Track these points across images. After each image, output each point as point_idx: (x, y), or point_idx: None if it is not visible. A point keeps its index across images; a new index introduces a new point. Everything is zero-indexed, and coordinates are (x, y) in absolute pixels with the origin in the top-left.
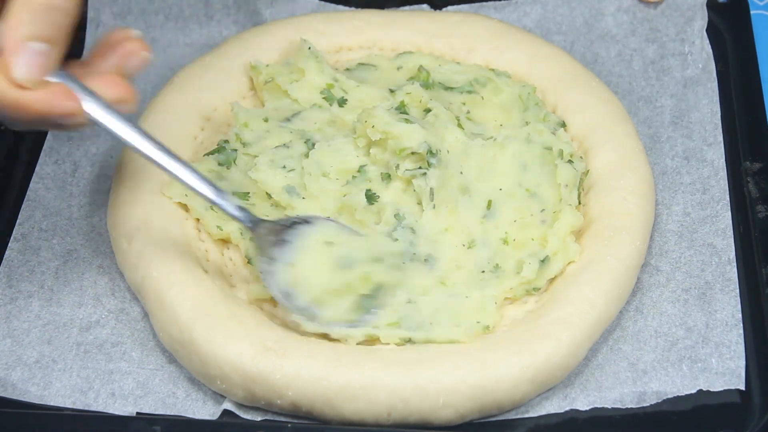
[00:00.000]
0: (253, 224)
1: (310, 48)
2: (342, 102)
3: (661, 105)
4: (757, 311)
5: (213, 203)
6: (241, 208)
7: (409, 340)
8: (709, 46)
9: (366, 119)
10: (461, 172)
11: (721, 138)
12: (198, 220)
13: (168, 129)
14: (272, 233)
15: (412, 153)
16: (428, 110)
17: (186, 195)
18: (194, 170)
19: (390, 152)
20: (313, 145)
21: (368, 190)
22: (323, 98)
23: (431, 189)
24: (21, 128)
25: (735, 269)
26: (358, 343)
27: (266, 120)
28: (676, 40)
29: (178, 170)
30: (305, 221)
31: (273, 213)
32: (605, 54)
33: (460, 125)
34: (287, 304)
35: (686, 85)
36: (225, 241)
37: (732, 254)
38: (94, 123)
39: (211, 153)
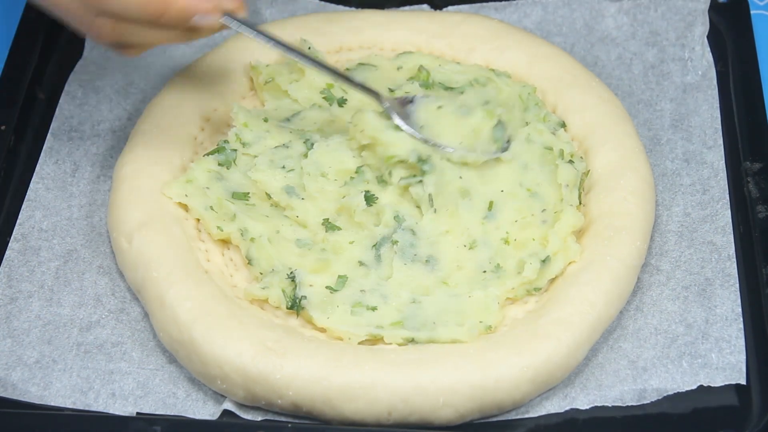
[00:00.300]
0: (380, 99)
1: (310, 48)
2: (342, 102)
3: (661, 108)
4: (757, 310)
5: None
6: (367, 87)
7: (412, 340)
8: (710, 54)
9: (356, 123)
10: (461, 177)
11: (721, 141)
12: (198, 220)
13: (168, 129)
14: (397, 106)
15: (401, 161)
16: None
17: (186, 195)
18: (322, 62)
19: (379, 158)
20: (312, 145)
21: (367, 192)
22: (323, 98)
23: (429, 195)
24: (148, 42)
25: (735, 265)
26: (359, 342)
27: (266, 120)
28: (677, 45)
29: (305, 61)
30: (411, 100)
31: (273, 213)
32: (605, 57)
33: None
34: (449, 153)
35: (686, 91)
36: (225, 242)
37: (732, 250)
38: (226, 25)
39: (211, 153)
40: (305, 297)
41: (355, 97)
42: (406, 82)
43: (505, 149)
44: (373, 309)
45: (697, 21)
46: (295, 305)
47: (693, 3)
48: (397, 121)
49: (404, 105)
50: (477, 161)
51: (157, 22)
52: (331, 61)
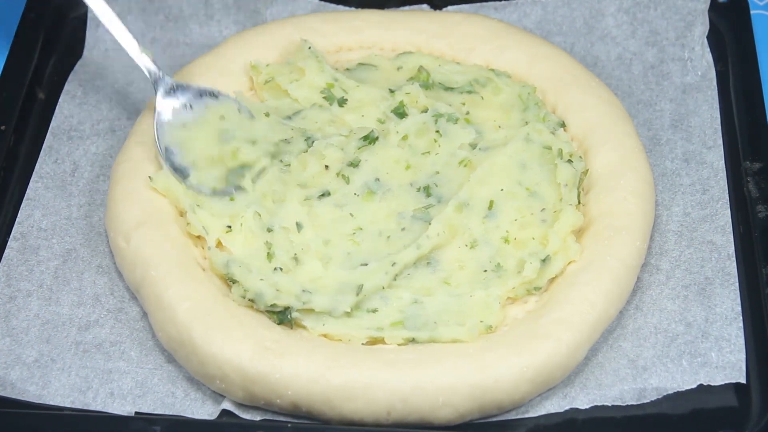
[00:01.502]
0: (162, 81)
1: (310, 48)
2: (342, 102)
3: (661, 109)
4: (757, 309)
5: (129, 54)
6: (155, 64)
7: (413, 340)
8: (710, 54)
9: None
10: (461, 188)
11: (720, 141)
12: (189, 224)
13: None
14: (180, 95)
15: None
16: (426, 110)
17: (169, 188)
18: (122, 25)
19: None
20: (313, 142)
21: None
22: (323, 98)
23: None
24: None
25: (734, 264)
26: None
27: (267, 115)
28: (676, 45)
29: (108, 21)
30: (213, 94)
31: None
32: (605, 57)
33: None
34: (164, 160)
35: (685, 91)
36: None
37: (731, 250)
38: None
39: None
40: (292, 308)
41: (355, 97)
42: (406, 82)
43: (228, 193)
44: (374, 311)
45: (697, 21)
46: (286, 320)
47: (693, 3)
48: (156, 111)
49: (200, 96)
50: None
51: None
52: (331, 61)
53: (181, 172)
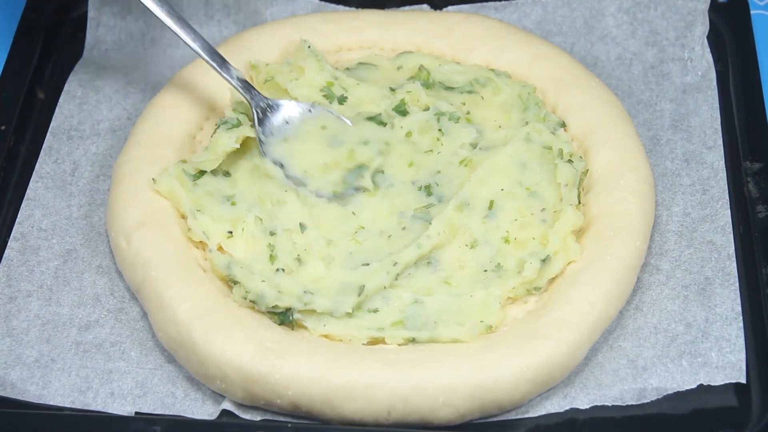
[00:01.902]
0: (253, 98)
1: (310, 47)
2: (342, 99)
3: (661, 109)
4: (757, 309)
5: (217, 71)
6: (243, 81)
7: (413, 340)
8: (710, 54)
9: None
10: (462, 187)
11: (720, 141)
12: (190, 229)
13: (167, 128)
14: (271, 110)
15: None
16: (427, 108)
17: (172, 190)
18: (203, 40)
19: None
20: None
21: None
22: (323, 96)
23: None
24: None
25: (734, 264)
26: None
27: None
28: (676, 45)
29: (188, 38)
30: (308, 109)
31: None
32: (605, 57)
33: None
34: (277, 173)
35: (686, 91)
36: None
37: (731, 250)
38: None
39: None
40: (293, 309)
41: (354, 95)
42: (406, 81)
43: (349, 195)
44: (375, 311)
45: (697, 21)
46: (287, 320)
47: (693, 3)
48: (258, 129)
49: (284, 111)
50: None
51: None
52: (331, 61)
53: (298, 181)
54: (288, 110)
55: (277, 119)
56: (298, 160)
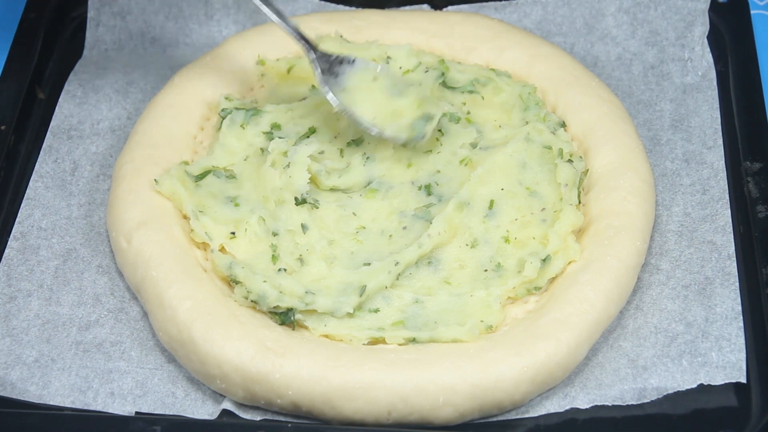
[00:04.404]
0: (312, 49)
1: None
2: None
3: (661, 109)
4: (757, 309)
5: (278, 24)
6: (300, 34)
7: (413, 340)
8: (710, 54)
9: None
10: (462, 187)
11: (721, 141)
12: (192, 231)
13: (167, 129)
14: (326, 63)
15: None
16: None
17: (174, 192)
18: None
19: None
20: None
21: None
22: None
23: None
24: None
25: (735, 264)
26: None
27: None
28: (676, 45)
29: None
30: (349, 61)
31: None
32: (605, 57)
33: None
34: (356, 118)
35: (686, 92)
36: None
37: (732, 249)
38: None
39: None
40: (295, 309)
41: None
42: (424, 73)
43: (416, 141)
44: (375, 311)
45: (697, 21)
46: (289, 321)
47: (693, 3)
48: (318, 79)
49: (339, 64)
50: (391, 142)
51: None
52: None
53: (370, 127)
54: (338, 62)
55: (331, 71)
56: (361, 111)
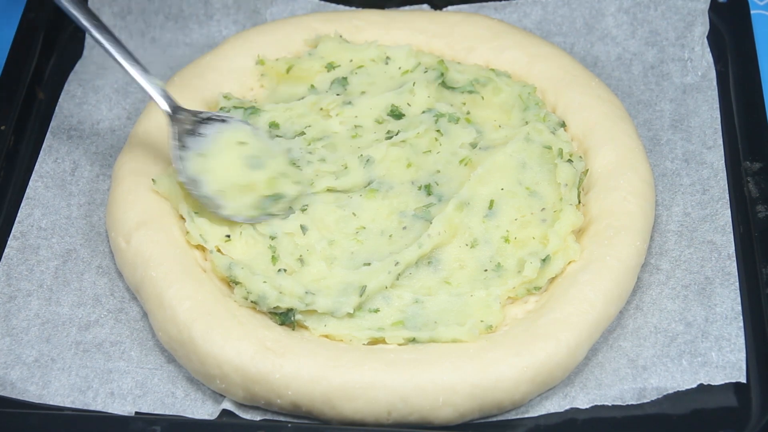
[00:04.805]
0: (172, 110)
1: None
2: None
3: (661, 109)
4: (757, 309)
5: (136, 81)
6: (163, 91)
7: (413, 340)
8: (710, 54)
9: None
10: (462, 187)
11: (720, 141)
12: (188, 233)
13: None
14: (190, 123)
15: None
16: (427, 110)
17: (171, 192)
18: (125, 48)
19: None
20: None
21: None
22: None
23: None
24: None
25: (734, 264)
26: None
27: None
28: (676, 45)
29: (109, 45)
30: (222, 119)
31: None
32: (605, 57)
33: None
34: (194, 191)
35: (686, 92)
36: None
37: (731, 249)
38: None
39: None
40: (295, 310)
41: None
42: (422, 72)
43: (260, 221)
44: (375, 311)
45: (697, 21)
46: (289, 321)
47: (693, 3)
48: (169, 143)
49: (206, 123)
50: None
51: None
52: None
53: (212, 202)
54: (203, 121)
55: (192, 130)
56: (212, 178)
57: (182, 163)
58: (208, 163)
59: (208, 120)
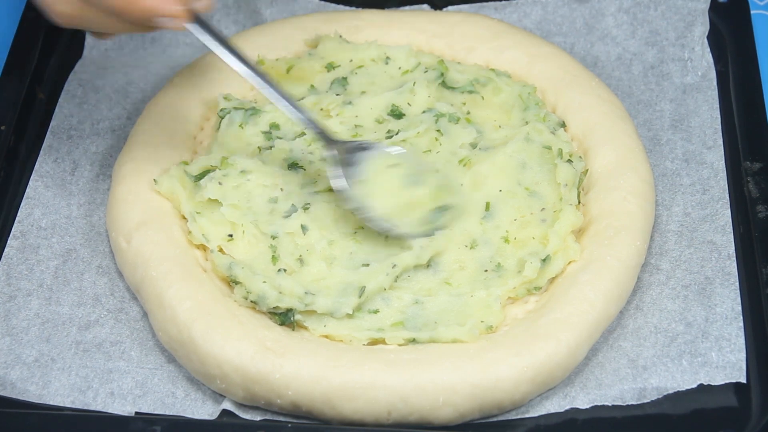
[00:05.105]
0: (329, 143)
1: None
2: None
3: (661, 109)
4: (757, 309)
5: (296, 121)
6: (322, 126)
7: (413, 340)
8: (710, 54)
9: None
10: (462, 184)
11: (720, 141)
12: (190, 232)
13: (167, 129)
14: (342, 152)
15: None
16: (427, 110)
17: (173, 192)
18: (280, 90)
19: None
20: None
21: None
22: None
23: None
24: (109, 30)
25: (734, 264)
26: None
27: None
28: (676, 45)
29: (263, 87)
30: (364, 147)
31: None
32: (605, 57)
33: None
34: (362, 215)
35: (686, 92)
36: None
37: (731, 249)
38: (189, 30)
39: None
40: (294, 310)
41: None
42: (422, 72)
43: (430, 234)
44: (375, 312)
45: (697, 21)
46: (288, 321)
47: (693, 3)
48: (331, 174)
49: (354, 151)
50: (402, 238)
51: (120, 15)
52: None
53: (383, 223)
54: (354, 151)
55: (347, 160)
56: (377, 203)
57: (347, 193)
58: (369, 188)
59: (358, 148)
